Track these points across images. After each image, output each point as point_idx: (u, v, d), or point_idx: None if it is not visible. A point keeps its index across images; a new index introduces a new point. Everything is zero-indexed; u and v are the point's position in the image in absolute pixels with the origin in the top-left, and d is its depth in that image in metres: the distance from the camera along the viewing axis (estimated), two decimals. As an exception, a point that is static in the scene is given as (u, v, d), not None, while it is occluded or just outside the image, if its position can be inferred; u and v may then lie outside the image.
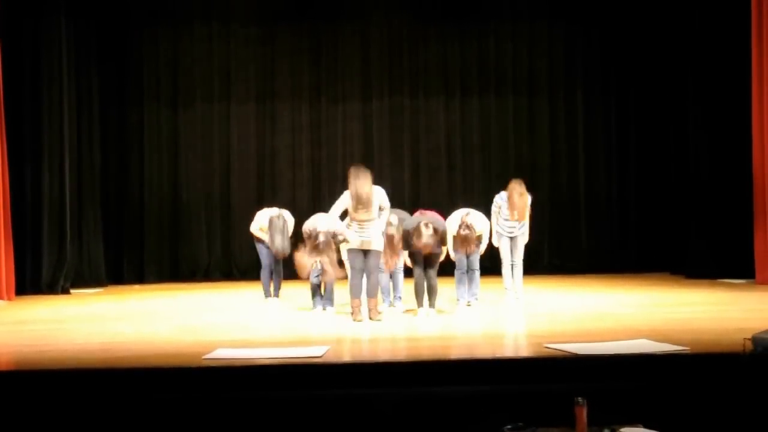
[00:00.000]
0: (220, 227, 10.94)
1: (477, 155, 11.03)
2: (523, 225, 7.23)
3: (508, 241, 7.28)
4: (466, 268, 6.91)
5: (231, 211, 10.93)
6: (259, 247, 7.58)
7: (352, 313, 6.17)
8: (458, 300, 6.92)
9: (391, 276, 6.96)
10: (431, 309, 6.33)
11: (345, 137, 11.02)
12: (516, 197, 7.09)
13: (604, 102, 11.07)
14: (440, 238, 6.18)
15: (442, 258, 6.41)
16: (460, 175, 11.13)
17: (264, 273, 7.60)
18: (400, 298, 7.06)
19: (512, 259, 7.09)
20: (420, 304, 6.30)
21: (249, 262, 10.36)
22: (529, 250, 7.69)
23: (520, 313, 6.76)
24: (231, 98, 11.00)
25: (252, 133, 11.06)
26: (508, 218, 7.24)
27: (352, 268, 6.28)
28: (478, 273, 7.01)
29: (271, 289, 7.72)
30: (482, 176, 11.17)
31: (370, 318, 6.19)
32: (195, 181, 10.89)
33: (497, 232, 7.24)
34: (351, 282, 6.14)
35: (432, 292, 6.39)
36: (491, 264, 7.95)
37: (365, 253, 6.21)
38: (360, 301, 6.17)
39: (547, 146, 11.12)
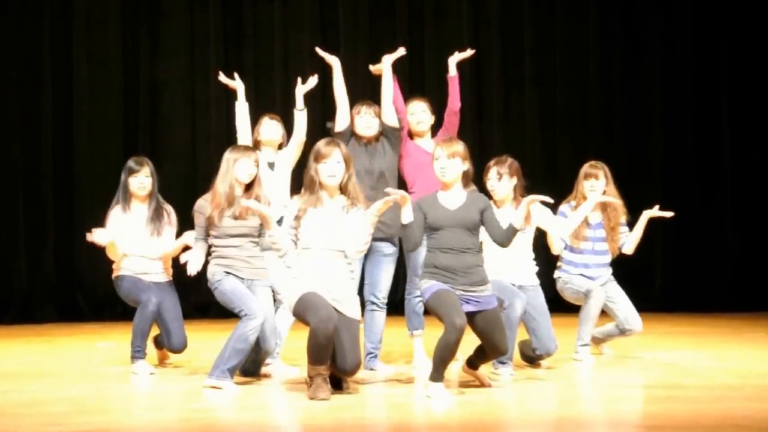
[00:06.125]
0: (54, 231, 10.30)
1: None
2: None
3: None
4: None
5: (75, 203, 10.31)
6: (124, 283, 6.68)
7: (310, 386, 5.50)
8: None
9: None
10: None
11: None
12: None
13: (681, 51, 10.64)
14: None
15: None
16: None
17: (143, 313, 6.49)
18: (375, 356, 6.54)
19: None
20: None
21: (108, 289, 9.07)
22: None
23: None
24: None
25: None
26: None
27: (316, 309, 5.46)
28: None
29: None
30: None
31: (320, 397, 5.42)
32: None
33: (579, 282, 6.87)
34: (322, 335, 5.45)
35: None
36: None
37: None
38: (328, 366, 5.50)
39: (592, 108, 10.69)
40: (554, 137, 10.79)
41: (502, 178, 6.17)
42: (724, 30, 10.79)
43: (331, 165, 5.44)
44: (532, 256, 6.34)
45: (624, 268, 7.78)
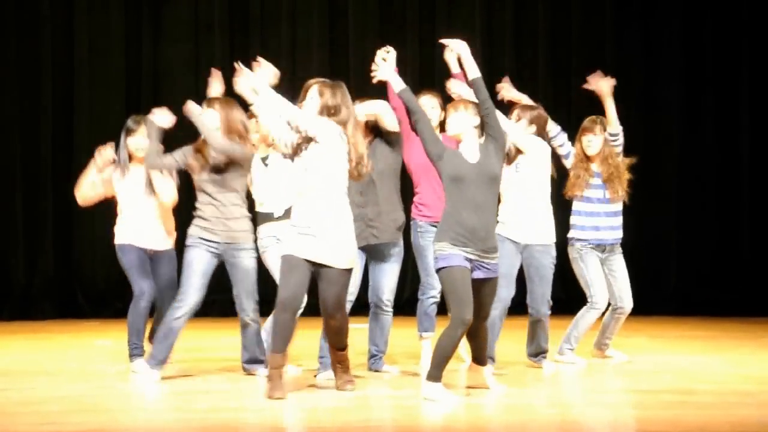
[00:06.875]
0: (53, 225, 10.22)
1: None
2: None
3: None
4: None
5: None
6: (128, 255, 6.61)
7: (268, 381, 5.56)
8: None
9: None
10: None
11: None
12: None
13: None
14: None
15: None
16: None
17: (136, 309, 6.48)
18: (381, 354, 6.41)
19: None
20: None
21: (108, 285, 9.33)
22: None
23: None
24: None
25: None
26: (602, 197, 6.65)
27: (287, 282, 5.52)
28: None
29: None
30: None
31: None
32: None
33: (583, 245, 6.64)
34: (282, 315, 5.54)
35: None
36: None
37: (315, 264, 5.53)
38: (286, 356, 5.50)
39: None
40: (568, 128, 10.74)
41: (520, 121, 6.16)
42: (744, 23, 10.69)
43: (306, 101, 5.48)
44: (547, 212, 6.22)
45: (638, 271, 7.81)
